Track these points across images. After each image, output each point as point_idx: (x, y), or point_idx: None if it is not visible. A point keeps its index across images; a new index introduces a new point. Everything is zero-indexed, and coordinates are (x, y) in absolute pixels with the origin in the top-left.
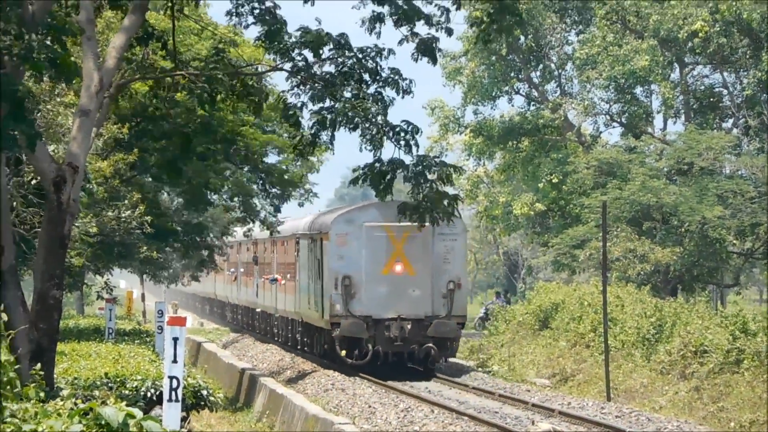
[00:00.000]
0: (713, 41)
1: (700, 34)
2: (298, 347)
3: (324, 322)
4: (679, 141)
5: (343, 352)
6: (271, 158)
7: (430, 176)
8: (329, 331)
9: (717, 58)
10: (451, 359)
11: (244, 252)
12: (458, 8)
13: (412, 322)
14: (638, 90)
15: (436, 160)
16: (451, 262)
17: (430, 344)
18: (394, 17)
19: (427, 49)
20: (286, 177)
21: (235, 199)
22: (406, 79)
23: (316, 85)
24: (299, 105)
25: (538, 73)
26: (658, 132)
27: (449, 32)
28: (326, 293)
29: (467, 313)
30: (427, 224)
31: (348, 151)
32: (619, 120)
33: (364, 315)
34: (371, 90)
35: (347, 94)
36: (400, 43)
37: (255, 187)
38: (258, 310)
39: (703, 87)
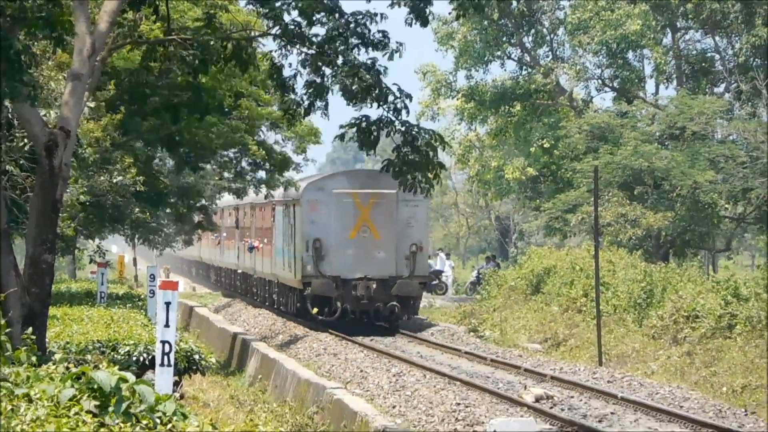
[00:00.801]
0: (706, 6)
1: (693, 0)
2: (275, 306)
3: (297, 282)
4: (671, 106)
5: (315, 310)
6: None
7: (416, 143)
8: (301, 290)
9: (709, 23)
10: (415, 317)
11: (227, 217)
12: None
13: (377, 282)
14: (630, 55)
15: (424, 130)
16: (414, 226)
17: (394, 302)
18: None
19: (419, 14)
20: (277, 154)
21: (225, 170)
22: (396, 42)
23: (307, 49)
24: (292, 73)
25: (530, 38)
26: (650, 97)
27: None
28: (298, 255)
29: (427, 274)
30: (391, 190)
31: (338, 117)
32: (611, 85)
33: (333, 275)
34: (362, 57)
35: (339, 61)
36: (391, 6)
37: (246, 165)
38: (239, 271)
39: (695, 52)
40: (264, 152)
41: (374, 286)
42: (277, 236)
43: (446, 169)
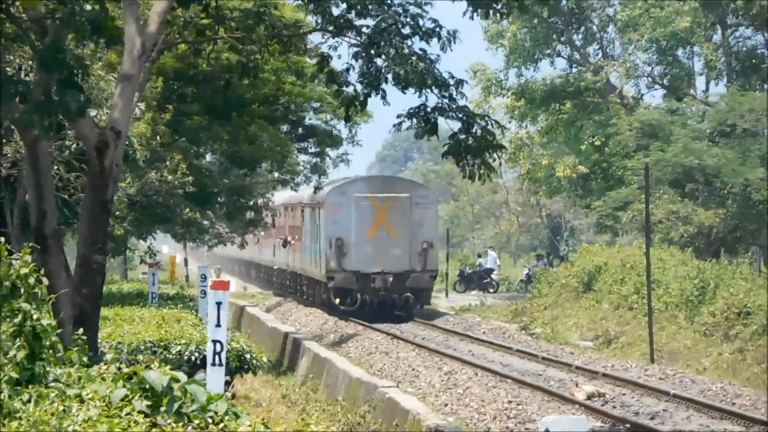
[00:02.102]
0: (756, 2)
1: None
2: (304, 297)
3: (321, 276)
4: (721, 102)
5: (337, 300)
6: (313, 121)
7: (473, 130)
8: (326, 283)
9: (759, 19)
10: (426, 306)
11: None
12: None
13: (393, 276)
14: (680, 52)
15: (479, 115)
16: (425, 226)
17: (408, 293)
18: None
19: (481, 5)
20: (325, 132)
21: (277, 173)
22: (448, 30)
23: (358, 41)
24: (345, 67)
25: (580, 36)
26: (700, 94)
27: None
28: (323, 252)
29: (437, 268)
30: (405, 194)
31: (389, 116)
32: (661, 82)
33: (354, 270)
34: (414, 46)
35: (391, 51)
36: None
37: (294, 146)
38: (275, 267)
39: (745, 48)
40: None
41: (390, 279)
42: (305, 235)
43: (506, 150)
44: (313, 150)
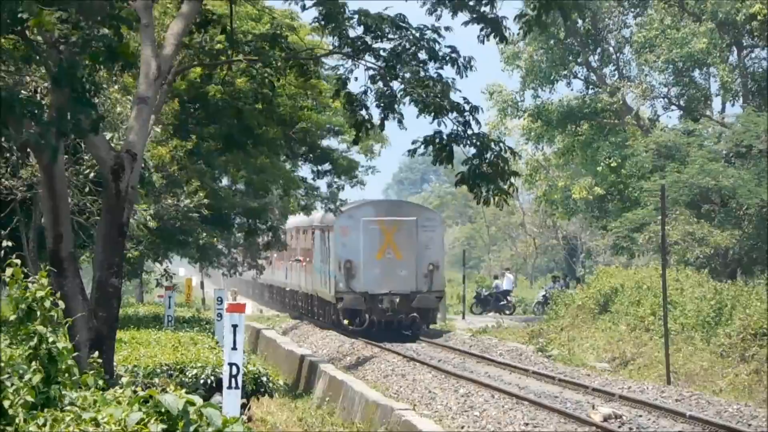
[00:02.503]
0: None
1: (759, 17)
2: (315, 317)
3: (331, 297)
4: (738, 123)
5: (346, 321)
6: (327, 144)
7: (487, 155)
8: (335, 304)
9: None
10: (432, 326)
11: None
12: None
13: (400, 296)
14: (696, 73)
15: (494, 140)
16: (431, 248)
17: (415, 314)
18: (454, 3)
19: (495, 29)
20: (342, 161)
21: (291, 191)
22: (464, 57)
23: (375, 65)
24: (362, 90)
25: (596, 57)
26: (716, 115)
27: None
28: (332, 274)
29: (443, 289)
30: (412, 217)
31: (405, 137)
32: (677, 103)
33: (362, 291)
34: (431, 70)
35: (407, 75)
36: (465, 24)
37: (310, 170)
38: (287, 288)
39: (761, 69)
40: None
41: (397, 299)
42: (315, 257)
43: (519, 176)
44: (328, 177)
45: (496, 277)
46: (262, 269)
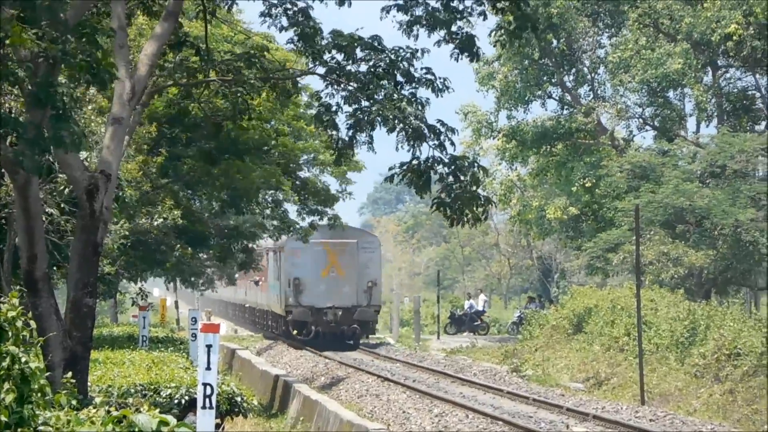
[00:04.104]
0: (747, 44)
1: (734, 37)
2: (269, 330)
3: (282, 310)
4: (712, 144)
5: (295, 332)
6: (307, 174)
7: (462, 178)
8: (285, 316)
9: (750, 60)
10: (372, 336)
11: None
12: (484, 19)
13: (342, 310)
14: (671, 93)
15: (468, 161)
16: (370, 267)
17: (356, 325)
18: (428, 20)
19: (466, 47)
20: (321, 190)
21: (268, 211)
22: (440, 78)
23: (350, 86)
24: (334, 108)
25: (571, 77)
26: (691, 135)
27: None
28: (282, 290)
29: (381, 303)
30: (353, 240)
31: (381, 156)
32: (652, 123)
33: (309, 305)
34: (405, 91)
35: (381, 95)
36: (438, 44)
37: (291, 199)
38: (246, 305)
39: (736, 90)
40: (298, 196)
41: (340, 312)
42: (270, 276)
43: (494, 204)
44: (308, 207)
45: (469, 296)
46: (227, 284)
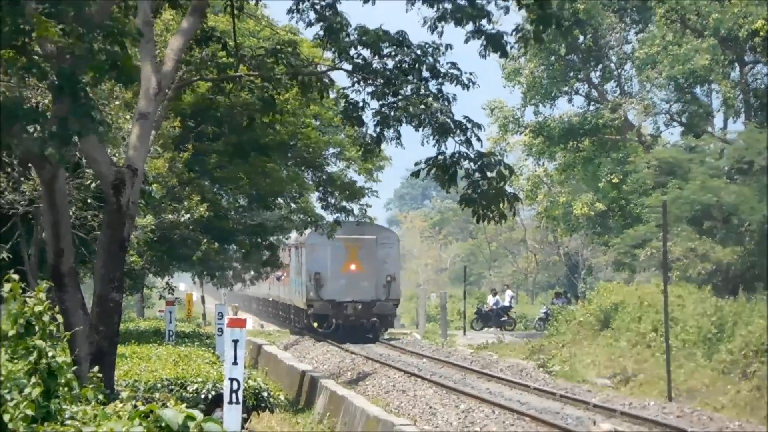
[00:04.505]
0: None
1: (761, 33)
2: (291, 323)
3: (303, 304)
4: (739, 140)
5: (316, 324)
6: (332, 168)
7: (489, 174)
8: (306, 310)
9: None
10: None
11: None
12: (506, 13)
13: (362, 304)
14: (698, 89)
15: (494, 158)
16: (389, 262)
17: (375, 319)
18: (456, 16)
19: (495, 44)
20: (346, 183)
21: (294, 205)
22: (466, 73)
23: (377, 82)
24: (360, 104)
25: (597, 73)
26: (718, 131)
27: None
28: (304, 284)
29: (399, 297)
30: (372, 236)
31: (407, 151)
32: (679, 119)
33: (330, 299)
34: (432, 87)
35: (408, 91)
36: (466, 41)
37: (316, 194)
38: (270, 299)
39: (763, 85)
40: (323, 190)
41: (360, 306)
42: (292, 271)
43: (521, 201)
44: (334, 201)
45: (493, 292)
46: (254, 282)
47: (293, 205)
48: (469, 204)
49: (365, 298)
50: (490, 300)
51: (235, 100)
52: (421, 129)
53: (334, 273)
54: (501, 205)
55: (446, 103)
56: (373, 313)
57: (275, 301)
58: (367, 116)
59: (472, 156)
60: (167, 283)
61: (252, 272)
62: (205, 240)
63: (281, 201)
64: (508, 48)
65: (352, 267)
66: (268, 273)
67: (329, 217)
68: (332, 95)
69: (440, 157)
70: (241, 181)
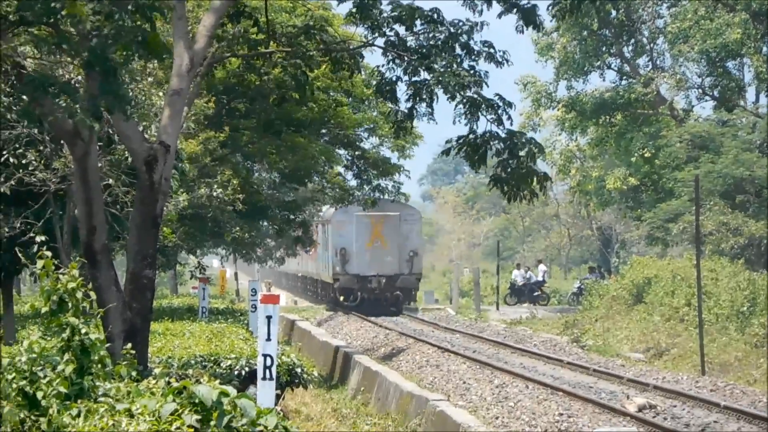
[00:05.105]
0: None
1: None
2: (317, 296)
3: (330, 278)
4: None
5: (342, 298)
6: (365, 145)
7: (519, 154)
8: (333, 284)
9: None
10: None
11: None
12: None
13: (386, 278)
14: (730, 63)
15: (525, 137)
16: (411, 238)
17: (398, 292)
18: None
19: (529, 18)
20: (380, 160)
21: (325, 180)
22: (499, 50)
23: (411, 58)
24: (394, 79)
25: (629, 48)
26: (750, 105)
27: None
28: (330, 260)
29: (421, 272)
30: (395, 213)
31: (440, 128)
32: (711, 94)
33: (355, 273)
34: (465, 64)
35: (440, 66)
36: (500, 16)
37: (350, 172)
38: (299, 275)
39: None
40: (357, 168)
41: (384, 280)
42: (319, 246)
43: (551, 180)
44: (368, 178)
45: (517, 267)
46: (284, 258)
47: (325, 182)
48: (499, 183)
49: (389, 273)
50: (515, 274)
51: (267, 78)
52: (453, 106)
53: (359, 248)
54: (531, 184)
55: (479, 78)
56: (397, 286)
57: (304, 276)
58: (401, 92)
59: (503, 135)
60: (199, 262)
61: (283, 249)
62: (237, 227)
63: (314, 176)
64: (542, 22)
65: (377, 243)
66: (298, 251)
67: (365, 194)
68: (363, 75)
69: (471, 136)
70: (271, 156)
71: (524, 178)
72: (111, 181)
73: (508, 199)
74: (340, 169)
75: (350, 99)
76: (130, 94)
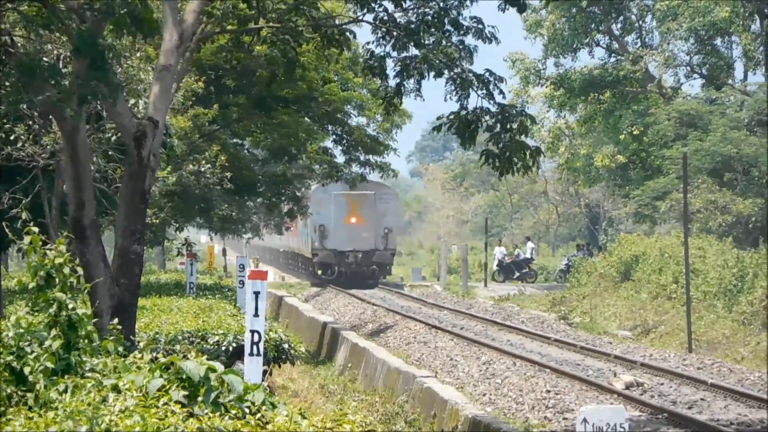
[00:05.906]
0: None
1: None
2: (298, 270)
3: (309, 253)
4: (760, 92)
5: (320, 272)
6: (353, 123)
7: (510, 126)
8: (311, 259)
9: None
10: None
11: None
12: None
13: (362, 253)
14: (718, 41)
15: (515, 110)
16: (387, 216)
17: (374, 267)
18: None
19: None
20: (367, 139)
21: (305, 156)
22: (488, 26)
23: (399, 33)
24: (383, 54)
25: (618, 25)
26: (738, 83)
27: None
28: (309, 236)
29: (396, 248)
30: (371, 192)
31: (429, 105)
32: (699, 71)
33: (333, 249)
34: (454, 39)
35: (429, 43)
36: None
37: (339, 148)
38: (281, 250)
39: None
40: (346, 144)
41: (360, 255)
42: (299, 223)
43: (543, 154)
44: (356, 154)
45: (499, 243)
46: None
47: (310, 160)
48: (491, 158)
49: (365, 248)
50: (497, 251)
51: (256, 55)
52: (441, 78)
53: (337, 225)
54: (525, 158)
55: (468, 55)
56: (373, 261)
57: (285, 251)
58: (389, 68)
59: (494, 110)
60: (185, 239)
61: (272, 224)
62: (225, 205)
63: (302, 153)
64: (526, 3)
65: (353, 220)
66: (288, 225)
67: (352, 172)
68: (349, 53)
69: (462, 112)
70: (256, 135)
71: (517, 151)
72: (96, 157)
73: (500, 173)
74: (328, 143)
75: (337, 77)
76: (119, 77)
